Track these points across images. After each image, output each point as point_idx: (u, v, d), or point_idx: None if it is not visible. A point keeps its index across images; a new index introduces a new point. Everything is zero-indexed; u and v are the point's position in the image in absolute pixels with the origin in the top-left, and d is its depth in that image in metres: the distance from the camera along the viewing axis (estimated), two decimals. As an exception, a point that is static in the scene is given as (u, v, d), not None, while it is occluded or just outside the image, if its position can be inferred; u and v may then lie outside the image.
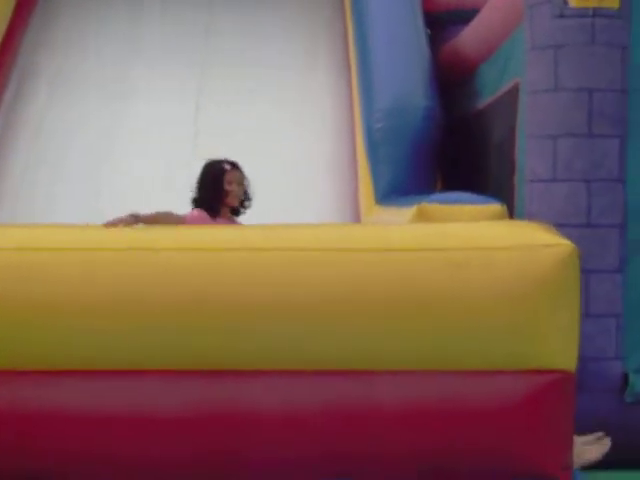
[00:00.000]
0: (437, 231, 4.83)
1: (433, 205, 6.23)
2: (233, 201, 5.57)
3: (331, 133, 9.04)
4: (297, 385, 4.56)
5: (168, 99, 9.29)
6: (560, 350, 4.59)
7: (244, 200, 5.67)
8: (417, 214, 6.21)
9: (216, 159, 5.74)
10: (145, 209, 5.21)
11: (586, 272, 6.40)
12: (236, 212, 5.72)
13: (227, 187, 5.55)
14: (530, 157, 6.76)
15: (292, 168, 8.60)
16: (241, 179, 5.58)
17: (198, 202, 5.63)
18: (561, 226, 5.22)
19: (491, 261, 4.53)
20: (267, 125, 8.97)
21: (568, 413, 4.64)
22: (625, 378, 6.58)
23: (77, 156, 8.72)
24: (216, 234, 4.84)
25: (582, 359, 6.28)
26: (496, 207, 6.13)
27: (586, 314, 6.39)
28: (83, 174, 8.57)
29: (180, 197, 8.25)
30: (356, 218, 8.22)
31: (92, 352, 4.48)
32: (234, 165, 5.62)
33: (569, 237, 4.84)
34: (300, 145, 8.84)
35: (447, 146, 8.61)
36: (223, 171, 5.57)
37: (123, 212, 5.04)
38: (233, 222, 5.67)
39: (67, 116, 9.07)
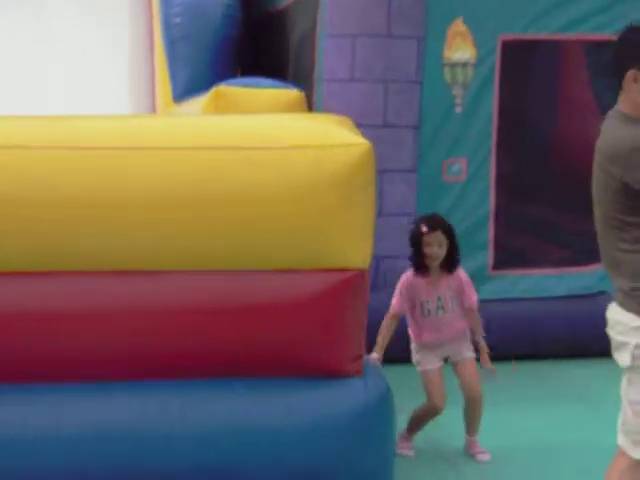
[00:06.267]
0: (230, 127, 4.74)
1: (231, 88, 6.12)
2: (431, 262, 5.33)
3: (129, 26, 8.78)
4: (97, 286, 4.47)
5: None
6: (355, 249, 4.61)
7: (452, 257, 5.39)
8: (214, 97, 6.08)
9: (421, 217, 5.52)
10: None
11: (381, 172, 6.51)
12: (451, 266, 5.43)
13: (426, 249, 5.33)
14: (329, 57, 6.77)
15: (84, 60, 8.32)
16: (441, 240, 5.30)
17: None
18: (358, 126, 5.23)
19: (286, 159, 4.47)
20: (59, 16, 8.64)
21: (361, 310, 4.70)
22: (416, 276, 6.77)
23: None
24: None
25: (375, 257, 6.42)
26: (294, 93, 6.09)
27: (379, 213, 6.51)
28: None
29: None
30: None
31: None
32: (432, 227, 5.33)
33: (365, 137, 4.87)
34: (94, 36, 8.55)
35: (248, 45, 8.52)
36: (420, 234, 5.35)
37: None
38: (444, 279, 5.41)
39: None
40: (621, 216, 3.89)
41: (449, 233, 5.35)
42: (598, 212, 4.07)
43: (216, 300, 4.54)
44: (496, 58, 6.76)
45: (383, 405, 4.66)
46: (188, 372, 4.58)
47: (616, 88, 3.98)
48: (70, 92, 8.05)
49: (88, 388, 4.52)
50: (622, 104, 3.96)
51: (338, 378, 4.63)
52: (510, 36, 6.78)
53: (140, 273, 4.51)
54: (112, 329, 4.47)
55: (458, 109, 6.75)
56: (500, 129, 6.85)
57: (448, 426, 5.52)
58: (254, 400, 4.59)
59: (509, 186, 6.96)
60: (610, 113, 4.03)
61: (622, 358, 3.96)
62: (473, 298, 5.43)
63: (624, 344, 3.95)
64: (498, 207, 6.92)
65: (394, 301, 5.45)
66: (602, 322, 7.05)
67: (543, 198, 7.21)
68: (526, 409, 6.13)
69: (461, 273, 5.44)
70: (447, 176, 6.74)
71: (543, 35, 6.87)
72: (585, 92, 7.07)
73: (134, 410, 4.50)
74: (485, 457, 5.37)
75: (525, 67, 7.01)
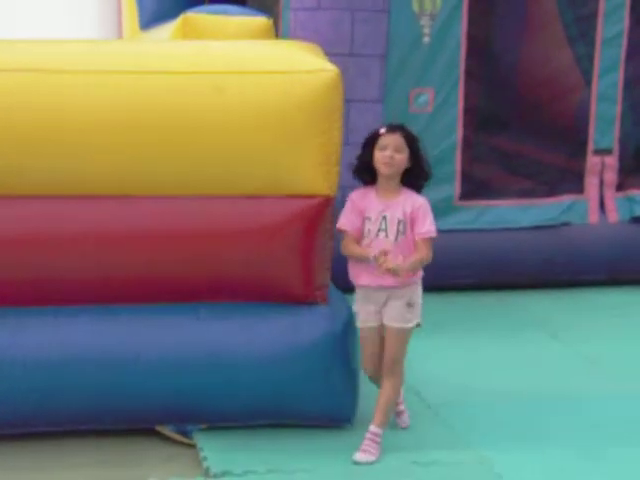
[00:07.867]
0: (199, 53, 4.70)
1: (198, 15, 6.06)
2: (383, 168, 4.48)
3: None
4: (63, 209, 4.46)
5: None
6: (321, 175, 4.63)
7: (415, 170, 4.57)
8: (182, 25, 6.03)
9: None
10: None
11: (348, 101, 6.47)
12: (414, 186, 4.59)
13: (377, 154, 4.50)
14: (295, -16, 6.71)
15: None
16: (400, 146, 4.49)
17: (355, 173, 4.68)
18: (325, 55, 5.21)
19: (254, 85, 4.47)
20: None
21: (327, 238, 4.72)
22: (381, 205, 6.77)
23: None
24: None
25: (341, 187, 6.41)
26: (263, 20, 6.05)
27: (346, 143, 6.47)
28: None
29: None
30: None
31: None
32: (391, 129, 4.56)
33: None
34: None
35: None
36: (377, 135, 4.56)
37: None
38: (398, 198, 4.56)
39: None
40: None
41: (411, 141, 4.53)
42: None
43: (184, 226, 4.56)
44: (464, -12, 6.72)
45: (347, 332, 4.69)
46: (156, 297, 4.60)
47: None
48: (38, 18, 7.98)
49: (54, 312, 4.54)
50: None
51: (304, 305, 4.68)
52: (478, -35, 6.74)
53: (108, 197, 4.51)
54: (77, 253, 4.48)
55: (426, 39, 6.70)
56: (468, 60, 6.81)
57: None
58: (222, 325, 4.62)
59: (476, 117, 6.94)
60: None
61: None
62: (425, 228, 4.50)
63: None
64: (465, 138, 6.91)
65: (340, 216, 4.63)
66: (566, 253, 7.17)
67: (510, 129, 7.21)
68: (489, 339, 6.18)
69: (421, 199, 4.57)
70: (414, 107, 6.71)
71: (511, -36, 6.85)
72: (554, 23, 7.04)
73: (101, 334, 4.52)
74: (403, 423, 4.87)
75: (493, -3, 6.97)
